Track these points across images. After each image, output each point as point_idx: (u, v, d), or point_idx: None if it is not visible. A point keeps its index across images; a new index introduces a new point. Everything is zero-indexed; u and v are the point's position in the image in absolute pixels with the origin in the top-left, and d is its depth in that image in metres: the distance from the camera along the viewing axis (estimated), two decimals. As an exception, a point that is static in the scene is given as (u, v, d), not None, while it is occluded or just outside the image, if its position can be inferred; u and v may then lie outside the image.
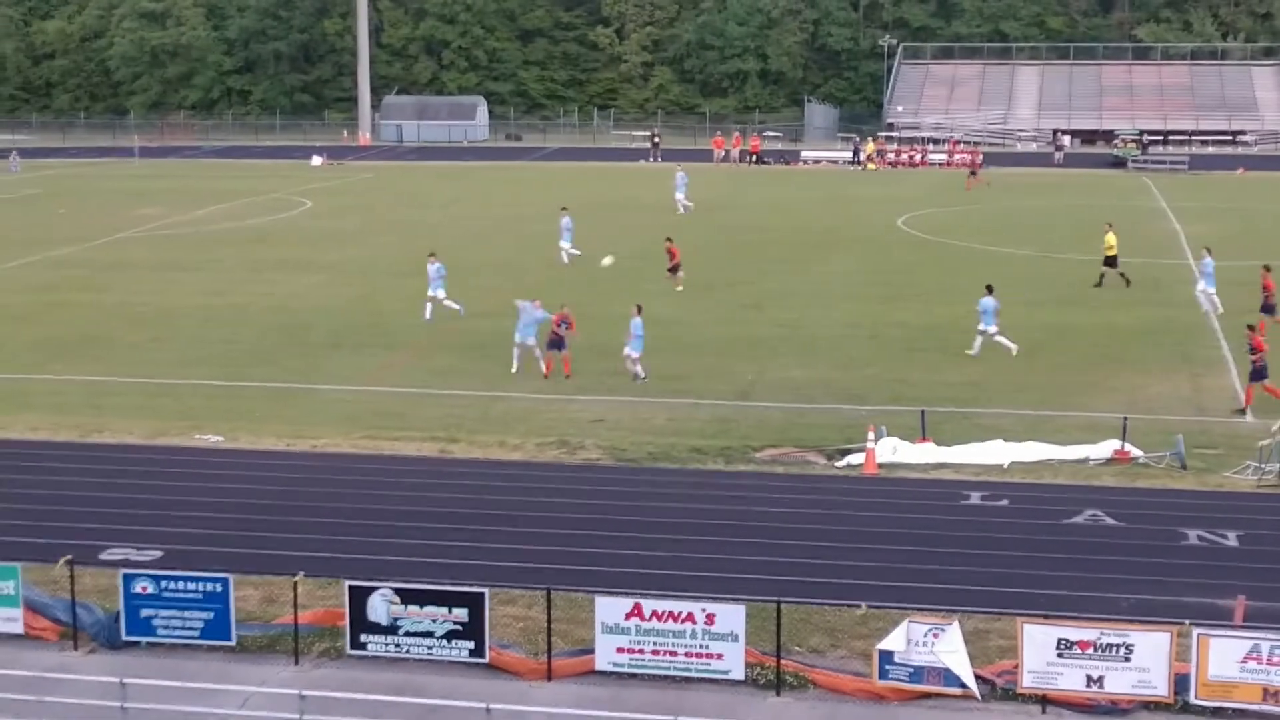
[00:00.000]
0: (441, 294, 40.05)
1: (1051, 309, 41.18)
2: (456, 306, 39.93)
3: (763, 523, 23.76)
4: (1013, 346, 35.03)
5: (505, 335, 38.12)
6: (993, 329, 35.09)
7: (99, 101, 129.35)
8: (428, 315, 39.70)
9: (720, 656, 17.94)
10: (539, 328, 33.86)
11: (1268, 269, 38.09)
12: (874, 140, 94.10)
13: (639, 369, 33.13)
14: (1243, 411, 30.28)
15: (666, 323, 39.93)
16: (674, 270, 44.52)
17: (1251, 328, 31.08)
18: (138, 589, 19.00)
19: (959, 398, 31.68)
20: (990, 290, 35.40)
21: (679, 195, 64.06)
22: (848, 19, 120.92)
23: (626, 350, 33.10)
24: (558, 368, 33.67)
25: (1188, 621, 17.72)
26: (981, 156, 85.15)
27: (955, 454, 27.37)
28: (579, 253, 48.78)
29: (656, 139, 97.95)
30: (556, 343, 33.65)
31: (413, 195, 73.68)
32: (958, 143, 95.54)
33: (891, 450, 27.33)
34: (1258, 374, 30.38)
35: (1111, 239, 44.85)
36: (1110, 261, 44.58)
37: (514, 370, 33.86)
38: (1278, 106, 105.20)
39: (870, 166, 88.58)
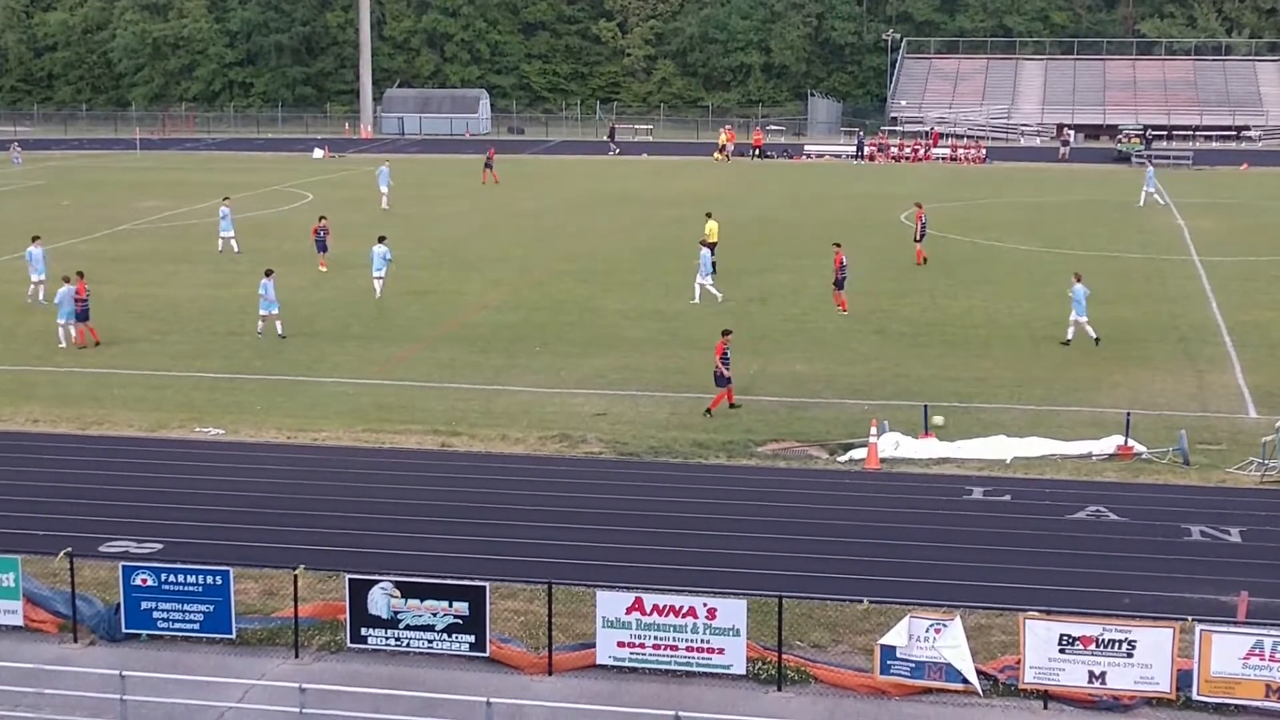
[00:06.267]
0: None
1: (1055, 304, 41.04)
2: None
3: (764, 517, 23.71)
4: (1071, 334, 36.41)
5: (509, 330, 38.18)
6: (1084, 318, 36.12)
7: (100, 94, 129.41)
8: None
9: (721, 651, 17.91)
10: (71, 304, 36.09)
11: (838, 245, 40.21)
12: (727, 130, 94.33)
13: (276, 326, 37.10)
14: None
15: (670, 316, 39.99)
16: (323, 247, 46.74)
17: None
18: (138, 581, 18.97)
19: (962, 393, 31.65)
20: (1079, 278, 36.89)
21: (383, 189, 64.15)
22: (851, 13, 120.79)
23: (265, 310, 36.81)
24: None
25: (1190, 618, 17.66)
26: (493, 150, 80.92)
27: (958, 449, 27.33)
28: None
29: (615, 129, 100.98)
30: (83, 314, 36.20)
31: (414, 188, 73.53)
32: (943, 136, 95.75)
33: (894, 445, 27.29)
34: None
35: (712, 226, 45.92)
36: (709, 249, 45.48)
37: (63, 346, 36.11)
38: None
39: (717, 157, 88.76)
